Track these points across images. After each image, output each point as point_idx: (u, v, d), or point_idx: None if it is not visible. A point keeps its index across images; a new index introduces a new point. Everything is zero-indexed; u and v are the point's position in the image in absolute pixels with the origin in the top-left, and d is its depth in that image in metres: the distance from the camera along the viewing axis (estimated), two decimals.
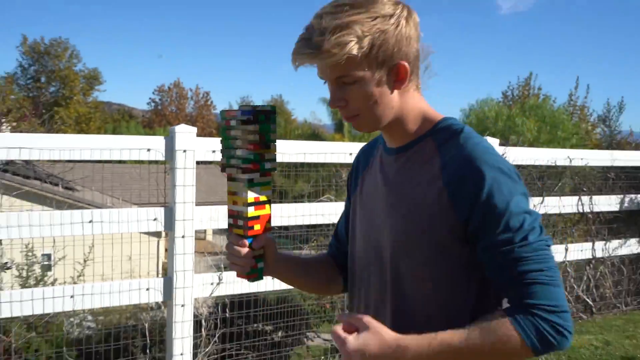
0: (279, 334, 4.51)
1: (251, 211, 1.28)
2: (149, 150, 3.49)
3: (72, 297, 3.29)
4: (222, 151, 1.29)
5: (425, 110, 1.25)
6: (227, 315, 3.91)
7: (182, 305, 3.52)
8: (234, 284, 3.71)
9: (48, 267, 5.24)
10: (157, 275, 6.39)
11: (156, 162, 4.12)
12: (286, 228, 5.31)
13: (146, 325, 3.99)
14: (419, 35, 1.20)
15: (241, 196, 1.27)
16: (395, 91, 1.19)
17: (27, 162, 4.09)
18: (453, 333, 1.08)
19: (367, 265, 1.31)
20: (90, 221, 3.28)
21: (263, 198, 1.28)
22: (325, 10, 1.14)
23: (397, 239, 1.22)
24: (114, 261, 3.98)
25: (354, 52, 1.11)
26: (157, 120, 47.09)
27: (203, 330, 3.76)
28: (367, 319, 1.11)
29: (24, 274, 4.80)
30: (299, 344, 4.89)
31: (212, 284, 3.64)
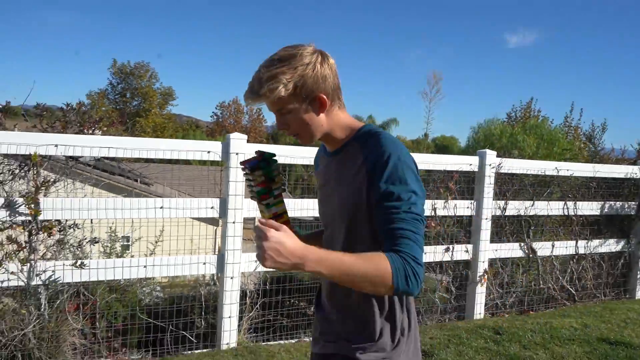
0: (312, 309, 4.59)
1: None
2: (209, 152, 3.63)
3: (145, 267, 3.45)
4: (247, 187, 1.53)
5: (349, 123, 1.44)
6: (268, 287, 4.01)
7: (232, 278, 3.64)
8: None
9: (126, 247, 5.42)
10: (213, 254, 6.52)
11: (214, 162, 4.24)
12: (317, 218, 5.39)
13: (202, 293, 4.12)
14: (335, 72, 1.38)
15: (265, 214, 1.50)
16: (322, 114, 1.38)
17: (113, 159, 4.26)
18: (348, 254, 1.24)
19: (328, 224, 1.51)
20: (162, 207, 3.43)
21: (279, 212, 1.50)
22: (264, 64, 1.34)
23: (339, 209, 1.41)
24: (179, 241, 4.12)
25: (282, 94, 1.31)
26: (218, 130, 47.75)
27: (247, 298, 3.87)
28: (285, 227, 1.24)
29: (107, 250, 4.99)
30: None
31: (256, 261, 3.75)
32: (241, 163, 1.46)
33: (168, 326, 3.67)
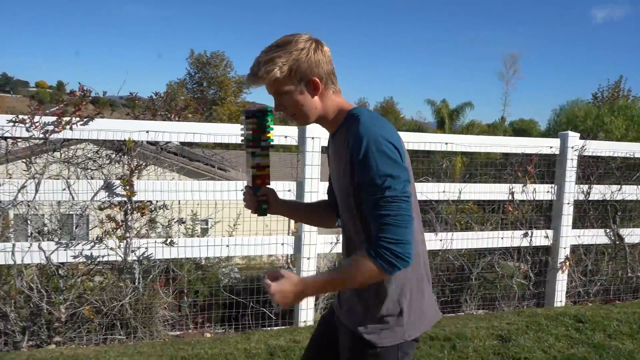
0: None
1: (254, 172, 1.68)
2: (286, 137, 3.75)
3: (227, 246, 3.65)
4: (241, 135, 1.68)
5: (342, 106, 1.51)
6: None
7: (308, 258, 3.77)
8: None
9: (205, 230, 5.71)
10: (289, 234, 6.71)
11: (289, 148, 4.37)
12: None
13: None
14: (328, 59, 1.49)
15: (249, 162, 1.66)
16: (316, 97, 1.48)
17: (197, 145, 4.50)
18: (334, 270, 1.43)
19: (338, 205, 1.61)
20: (242, 190, 3.60)
21: (263, 164, 1.66)
22: (264, 50, 1.46)
23: (339, 189, 1.53)
24: (253, 223, 4.31)
25: (277, 75, 1.43)
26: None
27: None
28: (283, 271, 1.43)
29: (189, 232, 5.30)
30: None
31: (331, 243, 3.86)
32: (242, 112, 1.65)
33: (249, 303, 3.86)
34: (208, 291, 4.18)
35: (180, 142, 3.93)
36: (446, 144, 4.19)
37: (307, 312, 3.78)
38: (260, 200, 1.72)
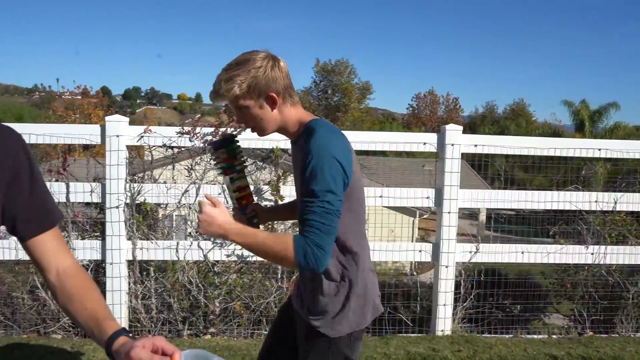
0: (518, 307, 4.43)
1: (237, 195, 1.81)
2: (424, 143, 3.75)
3: (373, 251, 3.72)
4: (214, 166, 1.80)
5: (301, 118, 1.64)
6: (482, 279, 3.98)
7: (446, 267, 3.72)
8: (489, 254, 3.78)
9: None
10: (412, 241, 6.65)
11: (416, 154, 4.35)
12: (535, 212, 5.14)
13: (411, 283, 4.29)
14: (285, 74, 1.60)
15: (229, 187, 1.75)
16: (275, 110, 1.60)
17: None
18: (265, 232, 1.56)
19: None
20: (381, 196, 3.67)
21: (243, 185, 1.78)
22: (223, 69, 1.58)
23: (299, 192, 1.63)
24: (377, 229, 4.35)
25: (237, 92, 1.55)
26: (414, 122, 47.98)
27: (462, 288, 3.90)
28: (221, 204, 1.56)
29: None
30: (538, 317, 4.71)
31: (470, 252, 3.77)
32: (207, 144, 1.76)
33: (386, 308, 3.90)
34: None
35: None
36: (599, 149, 3.89)
37: (445, 322, 3.72)
38: (250, 216, 1.87)
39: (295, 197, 1.83)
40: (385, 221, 4.80)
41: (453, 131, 3.70)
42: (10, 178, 1.05)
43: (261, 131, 1.66)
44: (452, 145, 3.68)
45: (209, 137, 3.55)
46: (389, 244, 3.76)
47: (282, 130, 1.68)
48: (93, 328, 1.05)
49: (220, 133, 1.69)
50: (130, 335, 1.03)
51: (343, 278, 1.66)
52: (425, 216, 14.62)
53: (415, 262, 6.86)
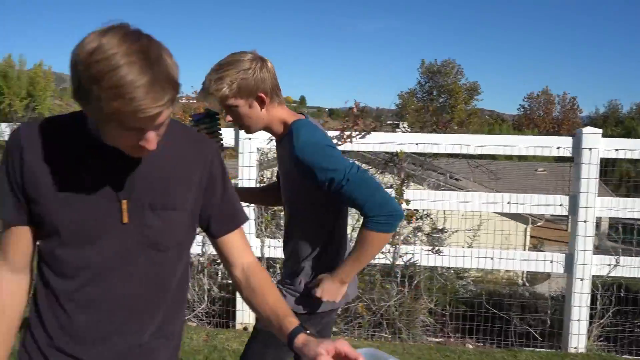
0: None
1: None
2: (558, 148, 3.54)
3: (492, 259, 3.60)
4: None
5: (286, 118, 1.69)
6: (622, 294, 3.67)
7: (581, 280, 3.48)
8: (631, 269, 3.48)
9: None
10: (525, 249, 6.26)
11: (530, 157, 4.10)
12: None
13: (527, 294, 4.05)
14: (273, 74, 1.64)
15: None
16: (263, 110, 1.65)
17: (456, 156, 4.56)
18: (351, 254, 1.62)
19: (284, 203, 1.81)
20: (509, 202, 3.53)
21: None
22: (213, 69, 1.62)
23: (285, 181, 1.75)
24: (490, 236, 4.16)
25: (227, 93, 1.60)
26: (526, 123, 45.48)
27: (598, 304, 3.63)
28: (320, 275, 1.66)
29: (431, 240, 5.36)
30: None
31: (609, 265, 3.50)
32: (189, 116, 1.72)
33: (512, 319, 3.75)
34: (467, 302, 4.15)
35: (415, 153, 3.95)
36: None
37: (579, 338, 3.48)
38: None
39: (281, 188, 1.87)
40: (498, 228, 4.59)
41: (591, 134, 3.46)
42: (207, 184, 1.16)
43: (249, 129, 1.73)
44: (590, 149, 3.44)
45: (334, 141, 3.64)
46: (516, 253, 3.60)
47: (267, 128, 1.73)
48: (274, 322, 1.14)
49: (205, 107, 1.74)
50: (308, 332, 1.09)
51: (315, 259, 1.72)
52: (539, 224, 13.82)
53: (527, 272, 6.49)
